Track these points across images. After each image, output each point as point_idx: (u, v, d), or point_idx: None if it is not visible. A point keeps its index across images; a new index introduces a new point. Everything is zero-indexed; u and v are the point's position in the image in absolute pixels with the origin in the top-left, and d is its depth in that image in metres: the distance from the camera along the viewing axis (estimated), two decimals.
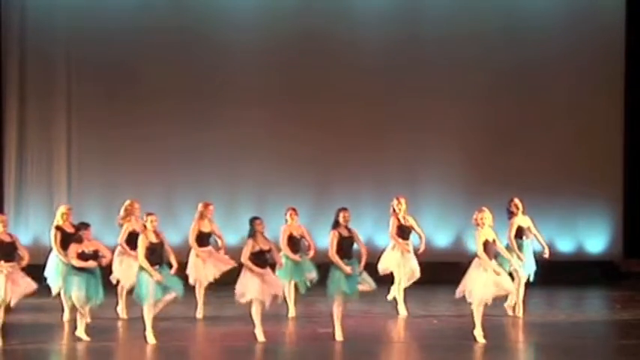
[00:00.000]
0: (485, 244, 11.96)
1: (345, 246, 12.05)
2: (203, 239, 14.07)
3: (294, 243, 13.84)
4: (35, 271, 17.14)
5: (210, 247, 14.12)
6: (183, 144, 17.61)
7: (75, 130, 17.72)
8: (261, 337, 12.11)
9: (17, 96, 17.63)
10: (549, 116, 17.98)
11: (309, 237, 14.01)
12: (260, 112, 17.67)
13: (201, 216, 14.06)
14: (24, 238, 17.42)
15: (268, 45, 17.68)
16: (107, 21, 17.56)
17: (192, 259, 14.05)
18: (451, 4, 17.99)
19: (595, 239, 18.09)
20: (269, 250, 12.18)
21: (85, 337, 12.32)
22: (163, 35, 17.63)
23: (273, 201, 17.19)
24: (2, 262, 11.96)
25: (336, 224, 12.15)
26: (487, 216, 12.16)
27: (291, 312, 14.05)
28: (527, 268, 13.88)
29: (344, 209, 12.23)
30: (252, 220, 12.24)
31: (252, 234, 12.14)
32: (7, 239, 12.12)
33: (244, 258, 12.03)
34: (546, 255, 14.09)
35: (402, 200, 14.32)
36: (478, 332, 12.11)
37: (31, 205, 17.60)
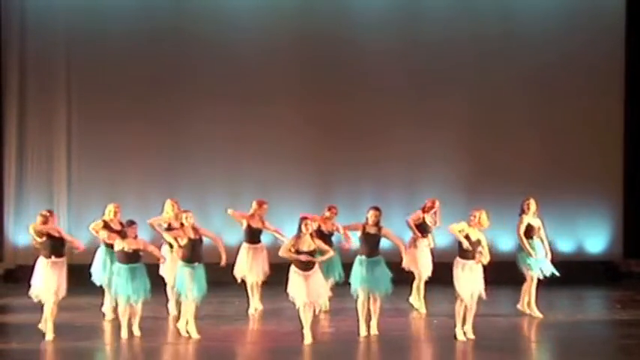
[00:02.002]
0: (467, 237, 12.20)
1: (369, 242, 12.30)
2: (254, 236, 14.20)
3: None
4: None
5: (260, 244, 14.30)
6: (184, 143, 17.62)
7: (75, 130, 17.71)
8: (308, 338, 12.00)
9: (17, 95, 17.62)
10: (549, 116, 17.97)
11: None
12: (260, 111, 17.66)
13: (253, 214, 14.26)
14: (23, 238, 17.46)
15: (268, 45, 17.67)
16: (107, 20, 17.56)
17: (240, 256, 14.28)
18: (453, 5, 17.98)
19: (595, 239, 18.08)
20: (312, 252, 11.98)
21: (137, 333, 12.53)
22: (163, 34, 17.62)
23: (274, 200, 17.18)
24: (53, 257, 12.24)
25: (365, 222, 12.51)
26: (484, 219, 12.37)
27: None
28: (538, 267, 14.01)
29: (371, 208, 12.46)
30: (302, 220, 12.08)
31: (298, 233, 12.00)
32: (56, 234, 12.36)
33: (283, 252, 11.91)
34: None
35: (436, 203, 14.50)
36: (459, 330, 12.34)
37: (31, 204, 17.57)
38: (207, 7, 17.75)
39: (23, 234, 17.53)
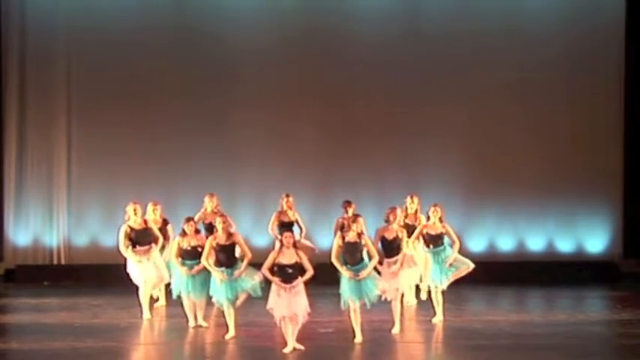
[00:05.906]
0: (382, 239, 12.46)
1: (352, 251, 11.94)
2: (283, 228, 14.28)
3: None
4: (34, 270, 17.29)
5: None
6: (184, 143, 17.61)
7: (75, 130, 17.72)
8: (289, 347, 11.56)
9: (17, 96, 17.63)
10: (549, 116, 17.96)
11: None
12: (260, 111, 17.68)
13: (282, 208, 14.80)
14: (24, 238, 17.47)
15: (270, 44, 17.67)
16: (107, 20, 17.57)
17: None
18: (454, 5, 17.99)
19: (595, 239, 18.08)
20: (294, 265, 11.52)
21: (204, 324, 12.91)
22: (164, 34, 17.64)
23: (273, 200, 17.18)
24: (137, 246, 13.42)
25: (341, 228, 12.37)
26: (398, 214, 12.58)
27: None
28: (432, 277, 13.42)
29: (357, 216, 12.15)
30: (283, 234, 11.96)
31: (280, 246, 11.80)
32: (138, 227, 13.50)
33: (263, 269, 11.65)
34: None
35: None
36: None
37: (31, 205, 17.58)
38: (210, 6, 17.75)
39: (23, 234, 17.54)
